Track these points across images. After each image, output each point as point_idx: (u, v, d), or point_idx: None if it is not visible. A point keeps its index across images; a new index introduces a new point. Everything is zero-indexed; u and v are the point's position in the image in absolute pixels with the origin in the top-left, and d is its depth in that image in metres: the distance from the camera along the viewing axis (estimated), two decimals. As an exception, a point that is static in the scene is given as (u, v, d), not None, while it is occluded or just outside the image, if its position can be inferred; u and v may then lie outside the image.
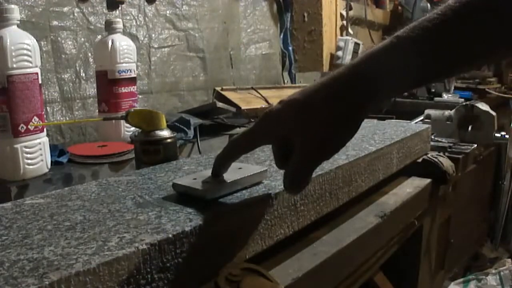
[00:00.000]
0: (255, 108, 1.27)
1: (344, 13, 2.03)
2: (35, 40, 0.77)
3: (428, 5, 2.28)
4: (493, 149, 1.67)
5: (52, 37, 1.08)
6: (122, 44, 1.01)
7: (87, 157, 0.89)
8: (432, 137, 1.07)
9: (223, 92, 1.32)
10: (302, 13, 1.93)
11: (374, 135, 0.78)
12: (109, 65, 1.00)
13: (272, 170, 0.56)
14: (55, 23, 1.08)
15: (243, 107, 1.25)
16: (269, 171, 0.56)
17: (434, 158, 0.85)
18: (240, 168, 0.51)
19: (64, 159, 0.86)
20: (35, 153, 0.77)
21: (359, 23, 2.16)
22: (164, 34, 1.37)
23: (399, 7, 2.43)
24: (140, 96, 1.21)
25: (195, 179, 0.48)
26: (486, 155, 1.48)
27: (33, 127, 0.76)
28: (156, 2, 1.33)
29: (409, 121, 1.15)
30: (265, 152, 0.64)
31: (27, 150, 0.76)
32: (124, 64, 1.01)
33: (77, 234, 0.37)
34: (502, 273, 1.57)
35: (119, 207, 0.44)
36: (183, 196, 0.46)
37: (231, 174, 0.48)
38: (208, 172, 0.49)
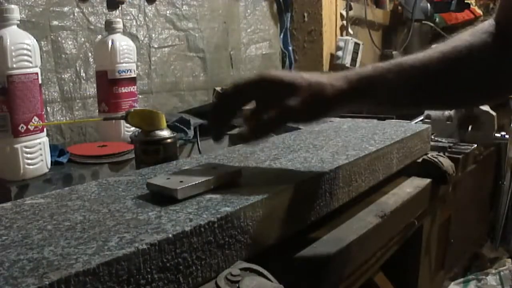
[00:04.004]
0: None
1: (344, 13, 2.02)
2: (35, 40, 0.77)
3: (428, 5, 2.28)
4: (493, 149, 1.67)
5: (52, 37, 1.08)
6: (122, 44, 1.01)
7: (87, 157, 0.89)
8: (432, 137, 1.07)
9: (223, 92, 1.32)
10: (302, 13, 1.93)
11: (374, 135, 0.78)
12: (109, 65, 1.00)
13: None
14: (55, 23, 1.08)
15: (243, 107, 1.25)
16: (271, 170, 0.56)
17: (434, 158, 0.85)
18: (214, 168, 0.52)
19: (64, 159, 0.86)
20: (35, 153, 0.77)
21: (359, 23, 2.16)
22: (164, 34, 1.37)
23: (399, 7, 2.43)
24: (140, 96, 1.21)
25: (168, 178, 0.48)
26: (486, 155, 1.48)
27: (33, 127, 0.76)
28: (156, 2, 1.33)
29: (409, 121, 1.15)
30: (265, 152, 0.64)
31: (27, 150, 0.76)
32: (124, 64, 1.01)
33: (77, 234, 0.37)
34: (502, 273, 1.57)
35: (119, 207, 0.44)
36: (157, 196, 0.46)
37: (204, 173, 0.49)
38: (183, 172, 0.51)
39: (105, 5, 1.19)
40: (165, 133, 0.70)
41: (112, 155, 0.89)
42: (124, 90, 1.01)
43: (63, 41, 1.10)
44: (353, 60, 1.98)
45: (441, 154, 0.91)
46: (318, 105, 0.52)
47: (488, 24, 0.57)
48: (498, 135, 1.17)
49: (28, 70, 0.75)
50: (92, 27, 1.16)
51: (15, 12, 0.75)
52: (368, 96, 0.53)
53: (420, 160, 0.85)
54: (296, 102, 0.50)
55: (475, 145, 1.12)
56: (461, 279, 1.55)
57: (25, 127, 0.75)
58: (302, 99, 0.51)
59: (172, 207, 0.43)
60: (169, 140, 0.69)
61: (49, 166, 0.80)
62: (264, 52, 1.78)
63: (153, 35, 1.33)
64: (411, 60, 0.54)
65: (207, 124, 0.58)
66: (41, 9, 1.05)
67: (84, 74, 1.15)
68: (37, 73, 0.77)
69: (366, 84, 0.52)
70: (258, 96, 0.54)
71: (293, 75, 0.52)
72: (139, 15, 1.29)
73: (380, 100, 0.55)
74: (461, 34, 0.57)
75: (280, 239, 0.49)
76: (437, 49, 0.55)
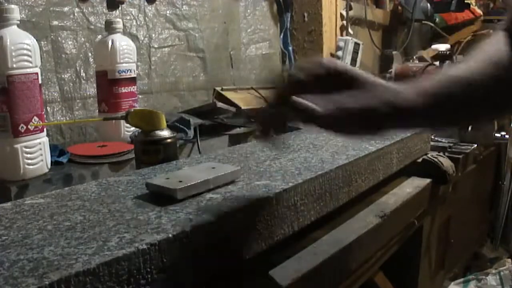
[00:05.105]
0: (255, 108, 1.27)
1: (344, 13, 2.02)
2: (35, 40, 0.77)
3: (428, 5, 2.28)
4: (493, 149, 1.67)
5: (52, 37, 1.08)
6: (122, 44, 1.01)
7: (87, 157, 0.88)
8: (432, 137, 1.07)
9: (223, 92, 1.32)
10: (302, 13, 1.93)
11: (374, 135, 0.78)
12: (109, 65, 1.00)
13: (272, 170, 0.56)
14: (55, 23, 1.08)
15: (243, 107, 1.25)
16: (268, 171, 0.56)
17: (434, 158, 0.85)
18: (213, 168, 0.52)
19: (64, 159, 0.86)
20: (35, 153, 0.77)
21: (359, 23, 2.16)
22: (164, 34, 1.37)
23: (399, 7, 2.43)
24: (140, 96, 1.21)
25: (168, 178, 0.49)
26: (486, 155, 1.48)
27: (33, 127, 0.76)
28: (156, 2, 1.33)
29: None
30: (265, 152, 0.64)
31: (27, 150, 0.76)
32: (124, 64, 1.01)
33: (77, 234, 0.37)
34: (502, 273, 1.57)
35: (119, 207, 0.44)
36: (156, 196, 0.46)
37: (203, 173, 0.49)
38: (183, 172, 0.50)
39: (105, 5, 1.19)
40: (165, 133, 0.70)
41: (112, 155, 0.89)
42: (124, 90, 1.01)
43: (63, 41, 1.10)
44: (353, 60, 1.98)
45: (441, 154, 0.91)
46: (388, 113, 0.41)
47: (502, 37, 0.48)
48: (498, 135, 1.17)
49: (28, 70, 0.75)
50: (92, 27, 1.16)
51: (15, 12, 0.75)
52: (440, 113, 0.44)
53: (420, 160, 0.85)
54: (358, 101, 0.40)
55: (475, 145, 1.12)
56: (461, 279, 1.55)
57: (25, 127, 0.75)
58: (366, 99, 0.40)
59: (172, 207, 0.43)
60: (169, 140, 0.69)
61: (49, 166, 0.80)
62: (264, 52, 1.78)
63: (153, 35, 1.33)
64: (465, 72, 0.44)
65: (256, 119, 0.49)
66: (41, 9, 1.05)
67: (84, 74, 1.15)
68: (37, 73, 0.77)
69: (440, 100, 0.42)
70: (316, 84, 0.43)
71: (361, 71, 0.43)
72: (139, 15, 1.29)
73: (447, 117, 0.45)
74: (484, 48, 0.48)
75: (280, 239, 0.49)
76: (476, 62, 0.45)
